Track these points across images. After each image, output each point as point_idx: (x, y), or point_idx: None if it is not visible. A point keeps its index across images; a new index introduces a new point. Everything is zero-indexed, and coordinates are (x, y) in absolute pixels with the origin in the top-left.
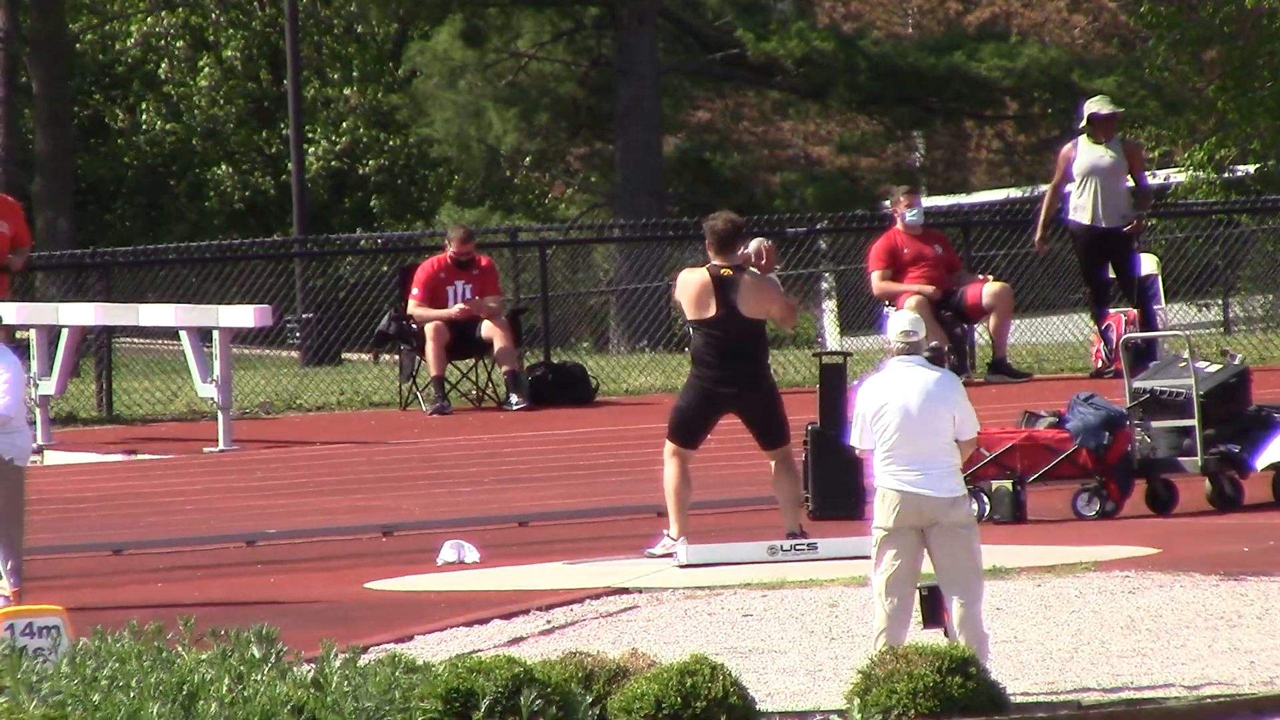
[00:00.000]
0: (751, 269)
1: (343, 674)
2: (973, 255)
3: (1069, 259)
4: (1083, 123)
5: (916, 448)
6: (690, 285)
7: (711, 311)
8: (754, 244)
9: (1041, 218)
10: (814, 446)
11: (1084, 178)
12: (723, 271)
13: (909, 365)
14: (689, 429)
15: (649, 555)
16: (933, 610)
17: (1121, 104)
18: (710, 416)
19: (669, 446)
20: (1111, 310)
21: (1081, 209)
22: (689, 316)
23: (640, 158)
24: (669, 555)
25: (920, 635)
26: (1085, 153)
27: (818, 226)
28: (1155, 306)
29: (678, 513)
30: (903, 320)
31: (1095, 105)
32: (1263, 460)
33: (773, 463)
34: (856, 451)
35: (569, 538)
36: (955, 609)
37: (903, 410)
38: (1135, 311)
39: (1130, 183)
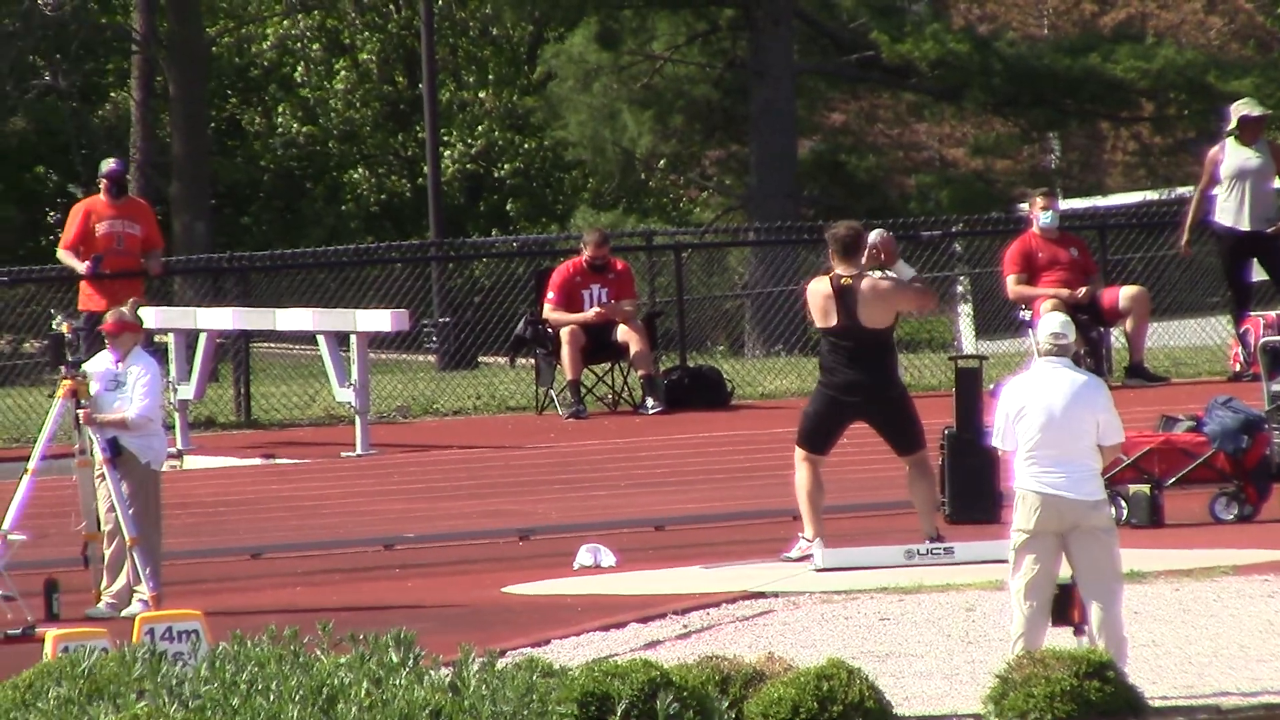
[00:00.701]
0: (872, 271)
1: (480, 678)
2: (1109, 258)
3: (1206, 261)
4: (1231, 125)
5: (1059, 450)
6: (814, 295)
7: (834, 321)
8: (872, 236)
9: (1188, 220)
10: (950, 450)
11: (1232, 180)
12: (842, 281)
13: (1056, 367)
14: (816, 436)
15: (785, 559)
16: (1063, 608)
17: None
18: (838, 424)
19: (799, 452)
20: (1250, 313)
21: (1227, 211)
22: (816, 324)
23: (775, 160)
24: (805, 558)
25: (1056, 638)
26: (1233, 155)
27: (953, 229)
28: None
29: (812, 516)
30: (1054, 322)
31: (1245, 107)
32: None
33: (908, 467)
34: (998, 452)
35: (705, 542)
36: (1094, 613)
37: (1047, 411)
38: (1274, 314)
39: (1277, 184)
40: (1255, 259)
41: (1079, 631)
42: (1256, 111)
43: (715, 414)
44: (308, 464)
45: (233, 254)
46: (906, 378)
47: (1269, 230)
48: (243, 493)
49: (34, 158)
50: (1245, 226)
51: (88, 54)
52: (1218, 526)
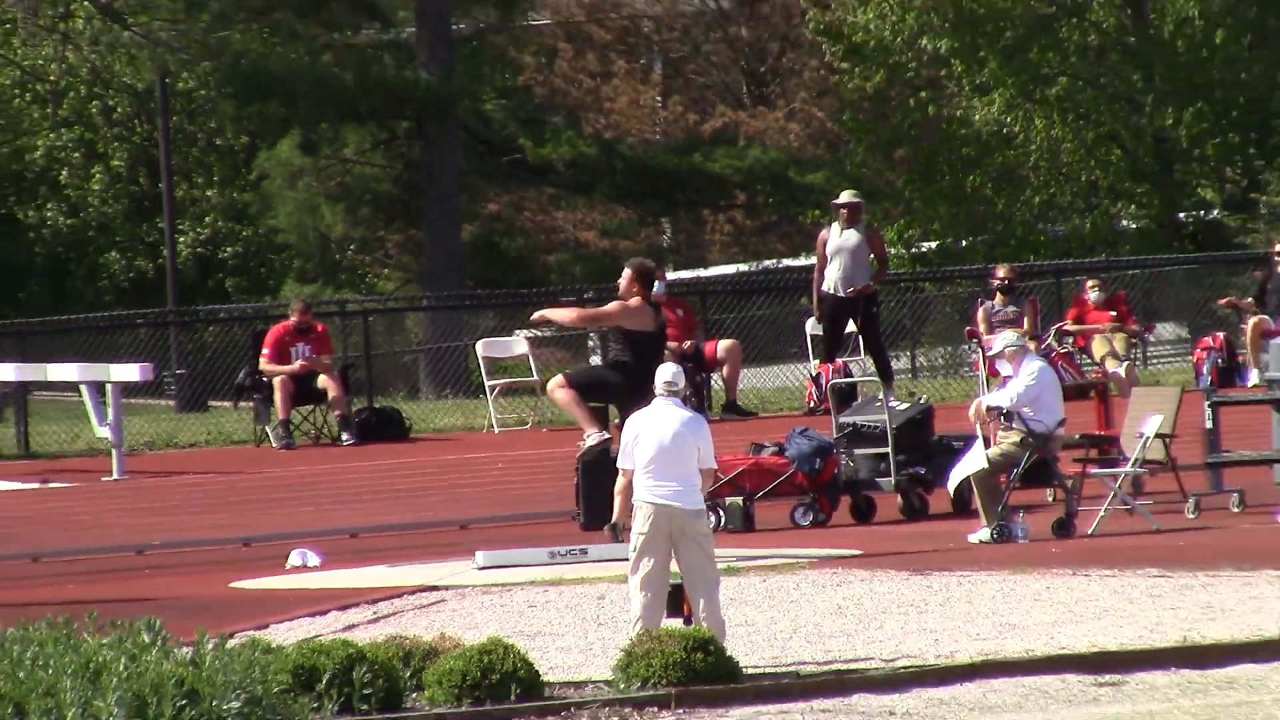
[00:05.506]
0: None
1: (214, 654)
2: (710, 317)
3: (788, 319)
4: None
5: (669, 469)
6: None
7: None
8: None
9: (815, 292)
10: (583, 469)
11: (834, 255)
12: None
13: (668, 404)
14: (591, 391)
15: (585, 446)
16: (676, 603)
17: (860, 195)
18: (611, 397)
19: (558, 381)
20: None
21: (831, 280)
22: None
23: (444, 242)
24: (603, 441)
25: (668, 621)
26: (835, 235)
27: (585, 295)
28: (858, 357)
29: (586, 415)
30: (666, 371)
31: (844, 197)
32: (952, 481)
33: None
34: (621, 472)
35: (391, 546)
36: (699, 601)
37: (659, 439)
38: (841, 361)
39: (872, 259)
40: (850, 318)
41: (688, 621)
42: (844, 200)
43: (397, 445)
44: (75, 487)
45: (11, 320)
46: None
47: (850, 292)
48: (24, 510)
49: None
50: (843, 292)
51: None
52: (798, 530)
